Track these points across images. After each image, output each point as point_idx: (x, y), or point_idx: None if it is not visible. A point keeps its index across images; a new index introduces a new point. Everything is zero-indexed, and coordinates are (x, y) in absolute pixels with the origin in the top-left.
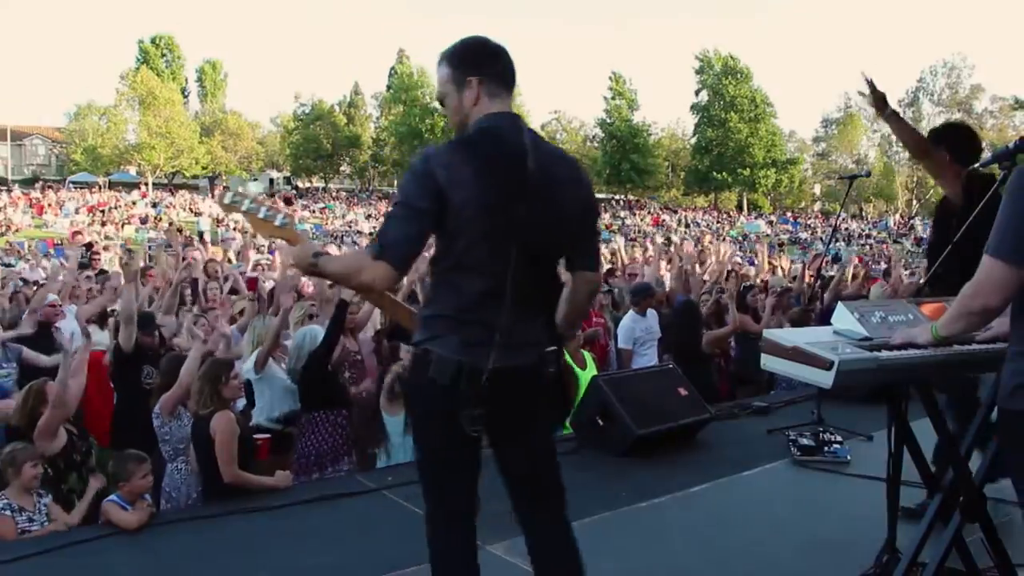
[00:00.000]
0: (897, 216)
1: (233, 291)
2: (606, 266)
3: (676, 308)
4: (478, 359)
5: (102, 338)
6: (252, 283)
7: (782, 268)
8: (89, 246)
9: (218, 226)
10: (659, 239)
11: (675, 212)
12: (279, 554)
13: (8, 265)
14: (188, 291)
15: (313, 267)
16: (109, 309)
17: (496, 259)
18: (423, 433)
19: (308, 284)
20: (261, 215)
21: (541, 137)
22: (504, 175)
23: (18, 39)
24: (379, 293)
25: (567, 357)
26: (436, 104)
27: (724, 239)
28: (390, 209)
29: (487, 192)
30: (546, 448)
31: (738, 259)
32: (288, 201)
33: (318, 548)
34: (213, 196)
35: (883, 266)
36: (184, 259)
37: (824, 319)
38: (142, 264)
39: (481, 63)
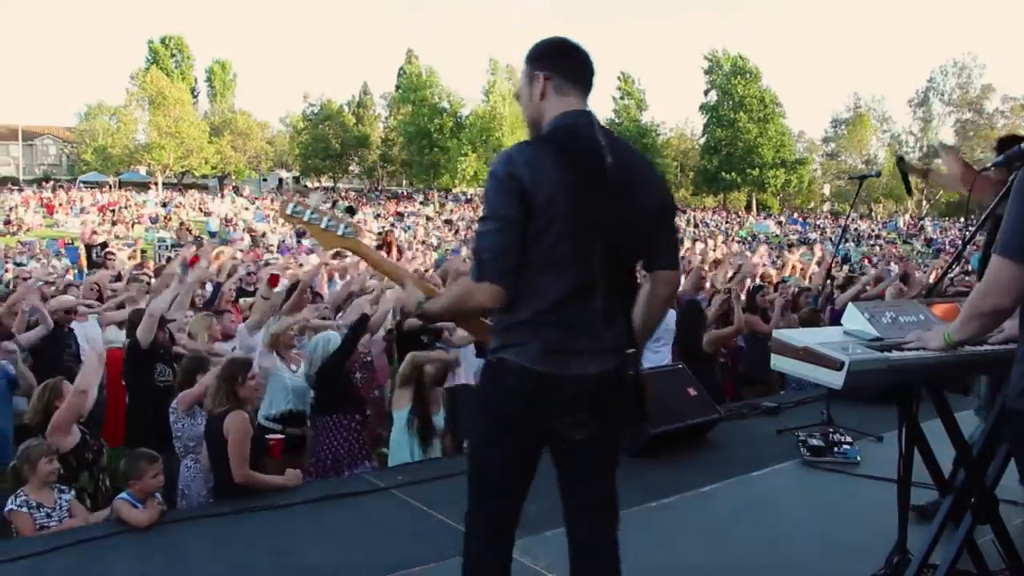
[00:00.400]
0: (907, 217)
1: (243, 293)
2: None
3: (680, 307)
4: (560, 366)
5: (117, 336)
6: (274, 279)
7: (794, 266)
8: (104, 245)
9: (226, 226)
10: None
11: (684, 212)
12: (289, 552)
13: (20, 264)
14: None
15: (421, 315)
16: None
17: (580, 260)
18: (489, 441)
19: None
20: (323, 225)
21: (615, 135)
22: (584, 173)
23: (29, 40)
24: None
25: None
26: (445, 104)
27: (734, 240)
28: (481, 224)
29: (569, 190)
30: (614, 460)
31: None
32: (351, 210)
33: (328, 547)
34: (222, 195)
35: (893, 267)
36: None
37: (835, 320)
38: (154, 264)
39: (551, 60)
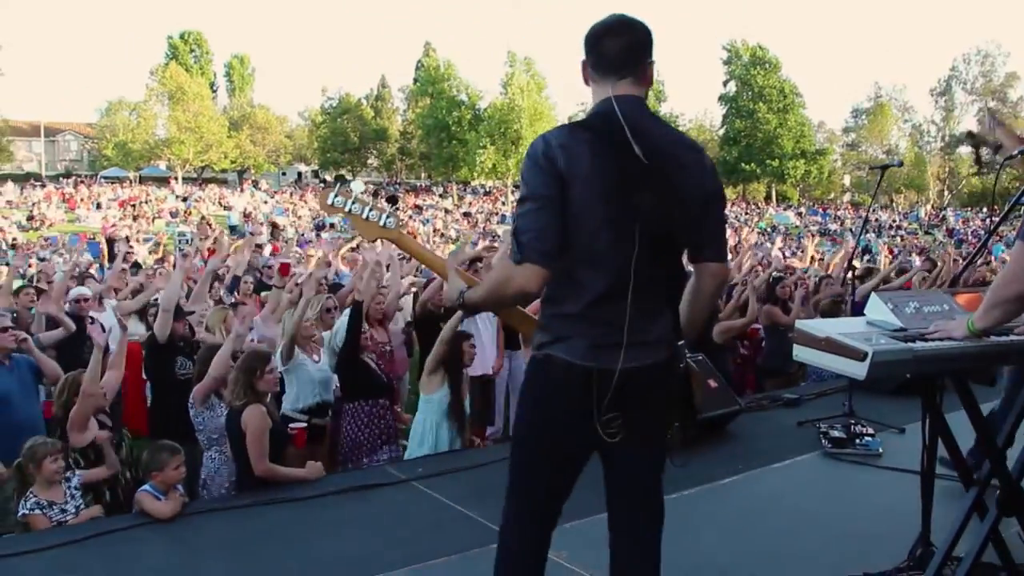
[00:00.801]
0: (928, 207)
1: (262, 286)
2: None
3: None
4: (609, 361)
5: (139, 329)
6: (285, 268)
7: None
8: (126, 240)
9: (246, 221)
10: None
11: None
12: (309, 544)
13: (43, 259)
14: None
15: (462, 305)
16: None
17: (619, 250)
18: (535, 439)
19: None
20: (364, 215)
21: (663, 120)
22: (622, 159)
23: (51, 38)
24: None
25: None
26: (463, 97)
27: (753, 231)
28: (519, 207)
29: (608, 177)
30: (662, 459)
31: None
32: (392, 200)
33: (348, 538)
34: (241, 189)
35: (915, 259)
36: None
37: (857, 311)
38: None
39: (587, 45)
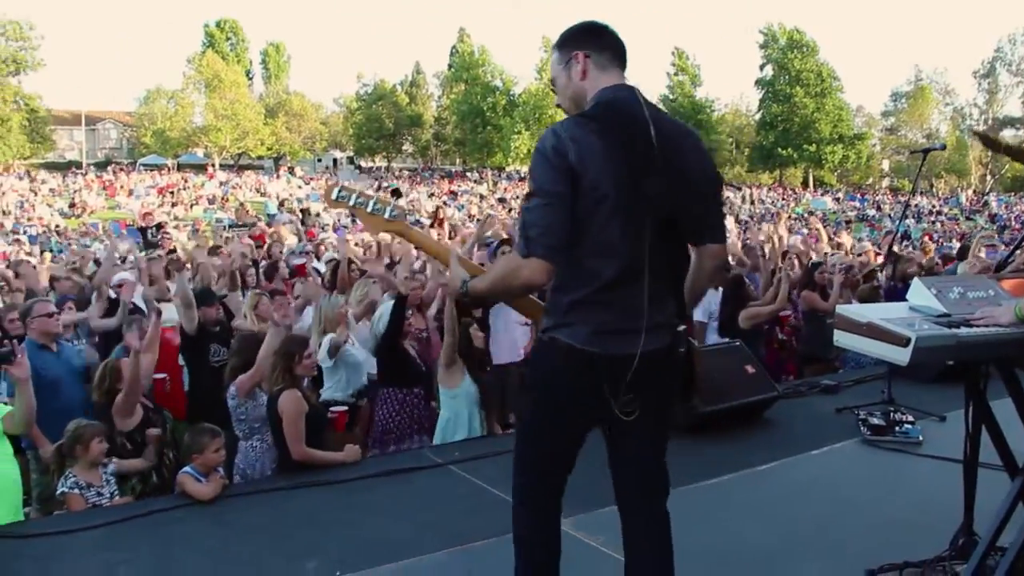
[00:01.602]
0: (970, 192)
1: (295, 272)
2: None
3: (724, 283)
4: (613, 346)
5: (174, 315)
6: (301, 269)
7: (844, 246)
8: (160, 226)
9: (280, 208)
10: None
11: (739, 189)
12: (347, 527)
13: (85, 246)
14: (251, 271)
15: (465, 295)
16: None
17: (629, 240)
18: (539, 419)
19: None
20: (370, 209)
21: (662, 110)
22: (631, 148)
23: (91, 28)
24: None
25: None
26: (498, 82)
27: (791, 217)
28: (528, 200)
29: (618, 167)
30: (664, 437)
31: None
32: (397, 193)
33: (386, 522)
34: (277, 176)
35: (955, 244)
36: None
37: (891, 297)
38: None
39: (585, 39)
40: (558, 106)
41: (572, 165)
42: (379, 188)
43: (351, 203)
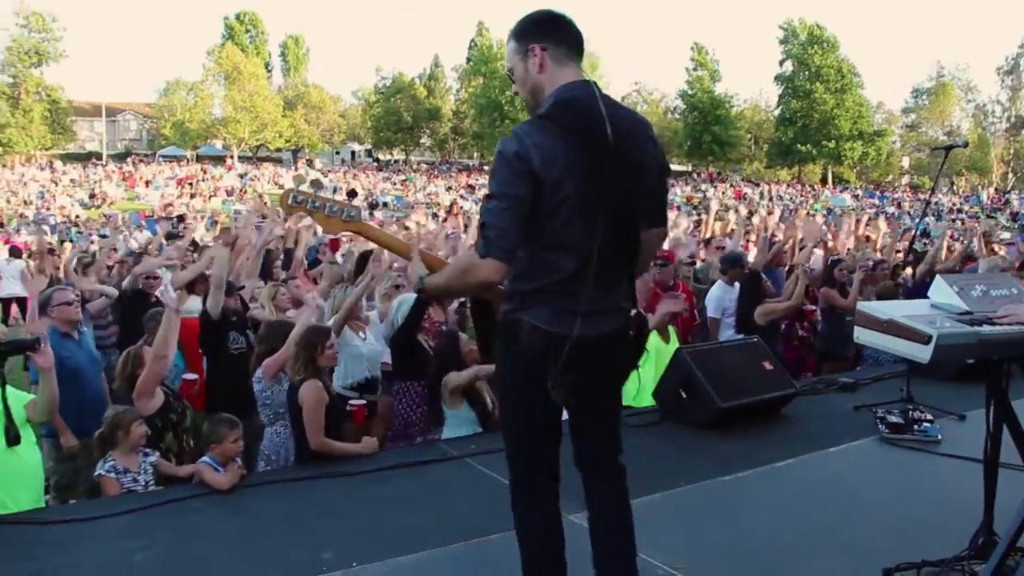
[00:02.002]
0: (991, 190)
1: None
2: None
3: (741, 279)
4: (567, 328)
5: (195, 305)
6: (335, 244)
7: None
8: (181, 218)
9: None
10: (741, 211)
11: (757, 185)
12: (364, 518)
13: (104, 236)
14: (279, 261)
15: (422, 291)
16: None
17: (588, 236)
18: (513, 401)
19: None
20: (327, 212)
21: (615, 100)
22: (591, 149)
23: (112, 20)
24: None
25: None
26: None
27: (810, 213)
28: (488, 201)
29: (579, 168)
30: (618, 412)
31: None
32: (352, 194)
33: (402, 513)
34: (295, 168)
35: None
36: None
37: (913, 294)
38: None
39: (543, 32)
40: (516, 93)
41: (535, 169)
42: (334, 191)
43: (308, 207)
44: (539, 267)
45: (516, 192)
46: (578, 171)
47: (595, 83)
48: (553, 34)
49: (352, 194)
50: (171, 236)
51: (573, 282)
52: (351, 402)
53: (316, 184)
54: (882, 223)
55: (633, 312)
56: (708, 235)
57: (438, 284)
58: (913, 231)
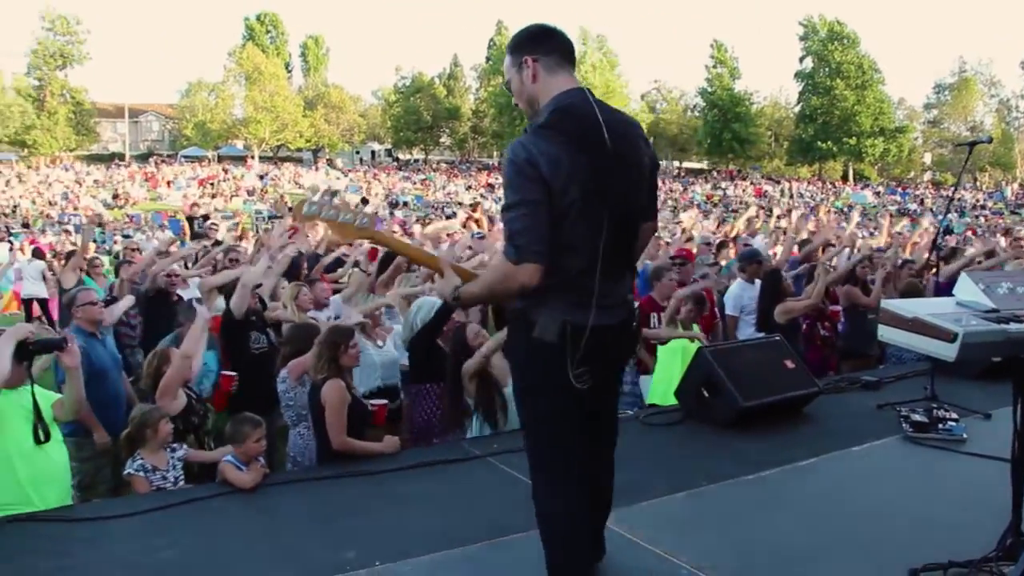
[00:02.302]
0: (1015, 185)
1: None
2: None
3: (762, 278)
4: (580, 318)
5: (222, 304)
6: (373, 253)
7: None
8: (206, 217)
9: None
10: (754, 210)
11: (778, 183)
12: (387, 517)
13: (127, 236)
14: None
15: (457, 300)
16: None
17: (593, 236)
18: (534, 397)
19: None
20: (340, 219)
21: (607, 104)
22: (591, 153)
23: (134, 22)
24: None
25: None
26: None
27: (830, 211)
28: (509, 212)
29: (582, 173)
30: (618, 393)
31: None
32: (364, 201)
33: (424, 512)
34: (316, 168)
35: (1000, 239)
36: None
37: (939, 292)
38: (252, 236)
39: (534, 44)
40: (515, 105)
41: (544, 176)
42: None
43: (322, 216)
44: (550, 268)
45: (534, 197)
46: (582, 176)
47: (588, 89)
48: (543, 45)
49: (364, 201)
50: (197, 236)
51: (582, 279)
52: (371, 402)
53: (330, 193)
54: (884, 221)
55: (636, 305)
56: (734, 234)
57: (474, 293)
58: (937, 228)
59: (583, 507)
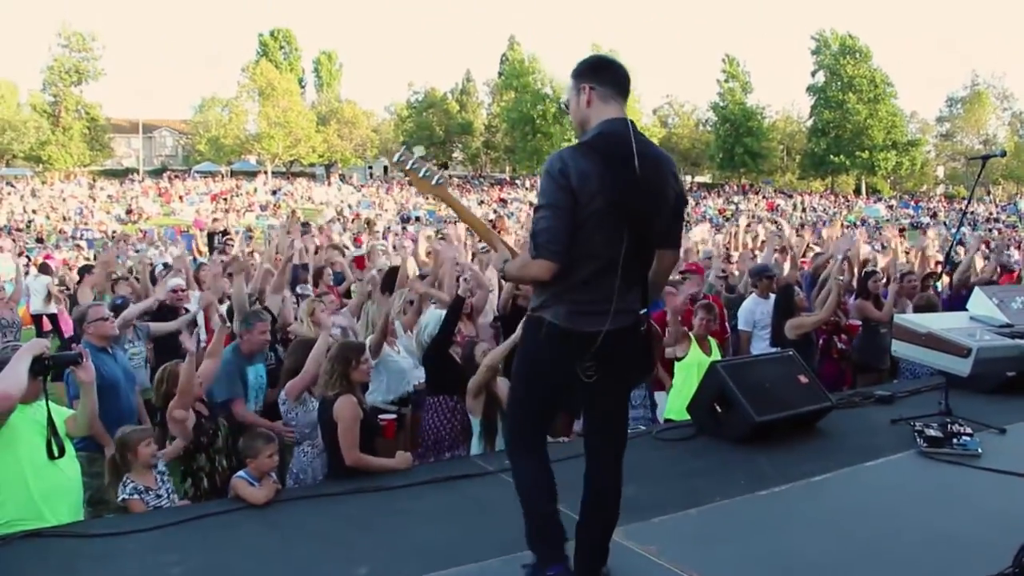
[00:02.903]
0: None
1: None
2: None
3: (776, 293)
4: (586, 324)
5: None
6: (360, 262)
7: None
8: (225, 232)
9: (339, 217)
10: (768, 225)
11: (790, 197)
12: (399, 533)
13: (139, 251)
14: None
15: (502, 271)
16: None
17: (608, 247)
18: (527, 380)
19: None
20: (421, 174)
21: (647, 139)
22: (620, 174)
23: (148, 38)
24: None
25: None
26: (547, 90)
27: (842, 223)
28: (537, 212)
29: (608, 189)
30: (624, 399)
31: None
32: (444, 166)
33: (438, 527)
34: (328, 183)
35: (1014, 252)
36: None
37: (950, 307)
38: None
39: (593, 73)
40: (547, 108)
41: (572, 186)
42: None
43: (408, 166)
44: (566, 270)
45: (560, 203)
46: (607, 191)
47: (632, 122)
48: (600, 75)
49: (444, 166)
50: (215, 251)
51: (589, 284)
52: (380, 417)
53: (419, 153)
54: (889, 234)
55: (643, 312)
56: (740, 248)
57: (510, 271)
58: (952, 242)
59: (541, 469)
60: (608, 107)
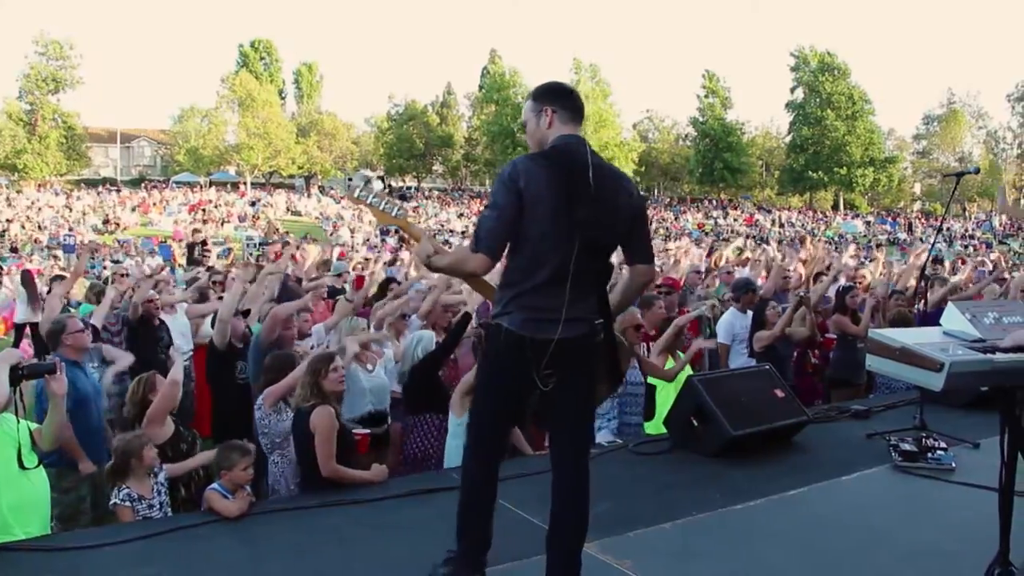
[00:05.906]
0: (1003, 216)
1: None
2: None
3: (755, 308)
4: (540, 332)
5: (207, 330)
6: (359, 281)
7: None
8: (204, 243)
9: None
10: (742, 240)
11: (769, 212)
12: (374, 545)
13: (116, 261)
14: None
15: (428, 264)
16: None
17: (558, 253)
18: (487, 386)
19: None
20: (380, 207)
21: (602, 158)
22: (570, 183)
23: (127, 47)
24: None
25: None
26: None
27: (821, 239)
28: (484, 212)
29: (557, 195)
30: (589, 406)
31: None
32: (404, 197)
33: (412, 541)
34: (308, 194)
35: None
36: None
37: (927, 321)
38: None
39: (555, 98)
40: (508, 134)
41: (521, 190)
42: (391, 191)
43: (368, 201)
44: (520, 275)
45: (504, 203)
46: (555, 198)
47: (588, 143)
48: (562, 101)
49: (404, 197)
50: (193, 261)
51: (543, 290)
52: (354, 431)
53: (365, 179)
54: (879, 254)
55: (598, 321)
56: (722, 263)
57: (440, 265)
58: (926, 259)
59: (490, 476)
60: (566, 128)
